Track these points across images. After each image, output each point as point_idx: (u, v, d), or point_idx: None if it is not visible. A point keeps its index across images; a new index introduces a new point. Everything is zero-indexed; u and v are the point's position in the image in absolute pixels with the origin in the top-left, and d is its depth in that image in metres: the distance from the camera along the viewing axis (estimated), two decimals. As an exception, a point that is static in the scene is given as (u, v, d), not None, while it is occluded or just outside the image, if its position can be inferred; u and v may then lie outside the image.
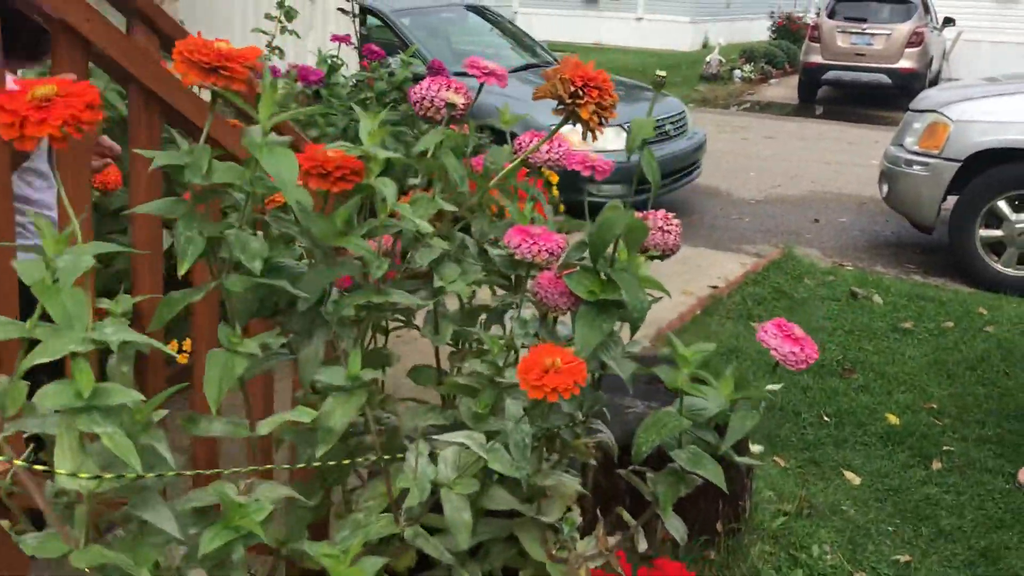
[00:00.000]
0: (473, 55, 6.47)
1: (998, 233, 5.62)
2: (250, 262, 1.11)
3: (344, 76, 4.87)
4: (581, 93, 1.21)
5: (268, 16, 5.17)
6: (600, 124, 1.24)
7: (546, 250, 1.35)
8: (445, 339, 1.52)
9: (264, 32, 5.08)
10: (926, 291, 5.23)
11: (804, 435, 3.52)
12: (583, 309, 1.39)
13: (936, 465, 3.29)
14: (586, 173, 1.50)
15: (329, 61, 4.56)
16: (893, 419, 3.62)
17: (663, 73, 1.29)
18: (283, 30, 5.06)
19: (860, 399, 3.81)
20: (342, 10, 5.52)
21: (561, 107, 1.24)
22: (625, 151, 1.36)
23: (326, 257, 1.34)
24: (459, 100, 1.42)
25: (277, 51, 5.08)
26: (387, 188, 1.29)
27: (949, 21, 14.22)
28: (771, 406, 3.72)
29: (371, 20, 7.39)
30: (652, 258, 1.65)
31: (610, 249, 1.39)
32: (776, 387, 4.41)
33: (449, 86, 1.50)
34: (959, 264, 5.78)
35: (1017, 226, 5.54)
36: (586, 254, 1.48)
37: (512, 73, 7.36)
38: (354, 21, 5.38)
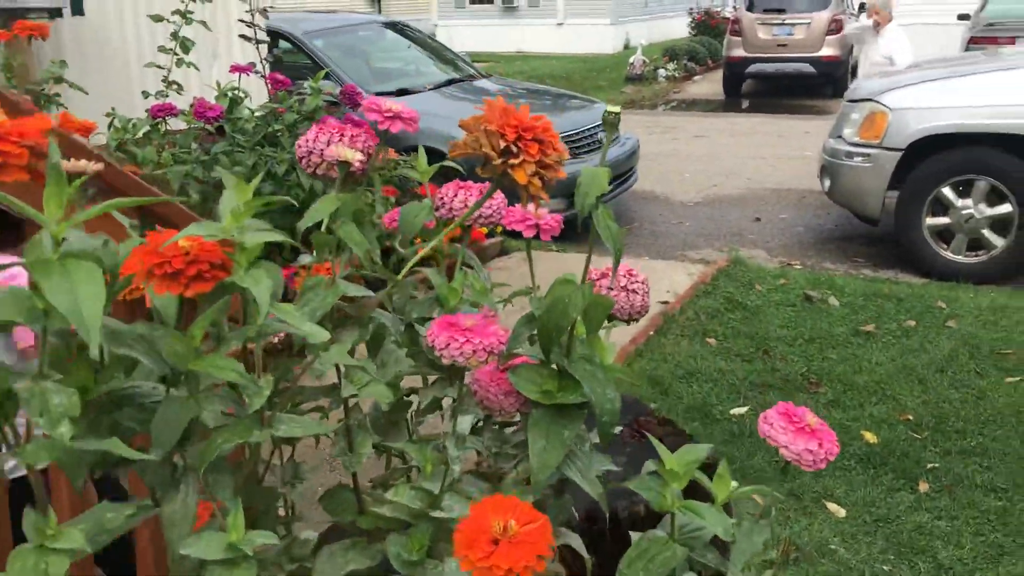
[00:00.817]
0: (392, 73, 5.98)
1: (945, 220, 5.48)
2: (53, 429, 0.76)
3: (250, 108, 4.47)
4: (515, 149, 0.87)
5: (162, 49, 4.73)
6: (543, 187, 0.92)
7: (483, 348, 1.02)
8: (361, 461, 1.18)
9: (159, 66, 4.65)
10: (880, 287, 5.04)
11: (778, 462, 3.23)
12: (536, 415, 1.06)
13: (923, 487, 3.05)
14: (528, 233, 1.18)
15: (230, 94, 4.16)
16: (870, 437, 3.37)
17: (616, 109, 0.97)
18: (180, 62, 4.63)
19: (832, 416, 3.56)
20: (244, 36, 5.11)
21: (488, 167, 0.91)
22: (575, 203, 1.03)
23: (187, 382, 0.99)
24: (354, 156, 1.08)
25: (175, 86, 4.65)
26: (259, 286, 0.95)
27: (865, 6, 14.34)
28: (739, 433, 3.45)
29: (283, 44, 6.97)
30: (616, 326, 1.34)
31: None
32: (742, 410, 4.04)
33: (341, 135, 1.16)
34: (908, 255, 5.64)
35: (964, 212, 5.40)
36: (535, 331, 1.15)
37: (434, 89, 7.07)
38: (258, 48, 4.97)
